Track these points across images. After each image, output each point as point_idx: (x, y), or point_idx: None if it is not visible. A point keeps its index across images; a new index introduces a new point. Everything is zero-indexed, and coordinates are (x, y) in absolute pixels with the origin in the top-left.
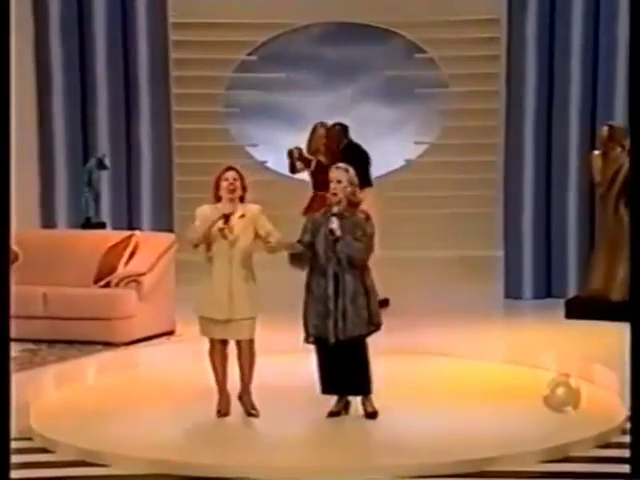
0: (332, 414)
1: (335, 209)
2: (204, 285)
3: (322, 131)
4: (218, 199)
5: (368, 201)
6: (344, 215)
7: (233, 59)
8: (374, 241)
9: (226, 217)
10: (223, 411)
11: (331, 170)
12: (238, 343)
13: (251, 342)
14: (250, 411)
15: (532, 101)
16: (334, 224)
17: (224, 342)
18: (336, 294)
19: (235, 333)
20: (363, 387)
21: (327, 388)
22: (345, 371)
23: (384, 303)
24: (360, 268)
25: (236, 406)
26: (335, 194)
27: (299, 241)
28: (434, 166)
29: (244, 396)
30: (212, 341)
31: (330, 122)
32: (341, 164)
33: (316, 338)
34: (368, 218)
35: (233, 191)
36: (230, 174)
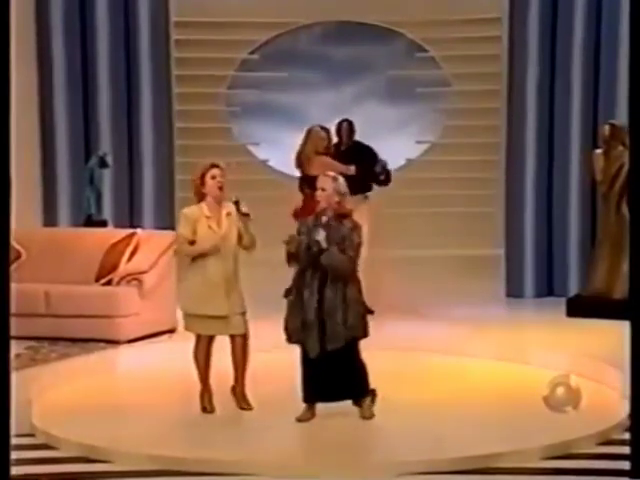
0: (300, 420)
1: (323, 219)
2: (191, 282)
3: (323, 133)
4: (202, 197)
5: (361, 209)
6: (331, 225)
7: (235, 58)
8: (360, 251)
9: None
10: (209, 408)
11: (319, 178)
12: (233, 338)
13: (245, 336)
14: (242, 405)
15: (534, 100)
16: (320, 235)
17: (212, 339)
18: (318, 307)
19: (232, 328)
20: (360, 390)
21: (312, 397)
22: (336, 379)
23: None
24: (344, 280)
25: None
26: (318, 202)
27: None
28: (436, 165)
29: (238, 390)
30: (200, 337)
31: (329, 124)
32: (330, 172)
33: (300, 345)
34: (355, 227)
35: (221, 189)
36: (217, 171)
